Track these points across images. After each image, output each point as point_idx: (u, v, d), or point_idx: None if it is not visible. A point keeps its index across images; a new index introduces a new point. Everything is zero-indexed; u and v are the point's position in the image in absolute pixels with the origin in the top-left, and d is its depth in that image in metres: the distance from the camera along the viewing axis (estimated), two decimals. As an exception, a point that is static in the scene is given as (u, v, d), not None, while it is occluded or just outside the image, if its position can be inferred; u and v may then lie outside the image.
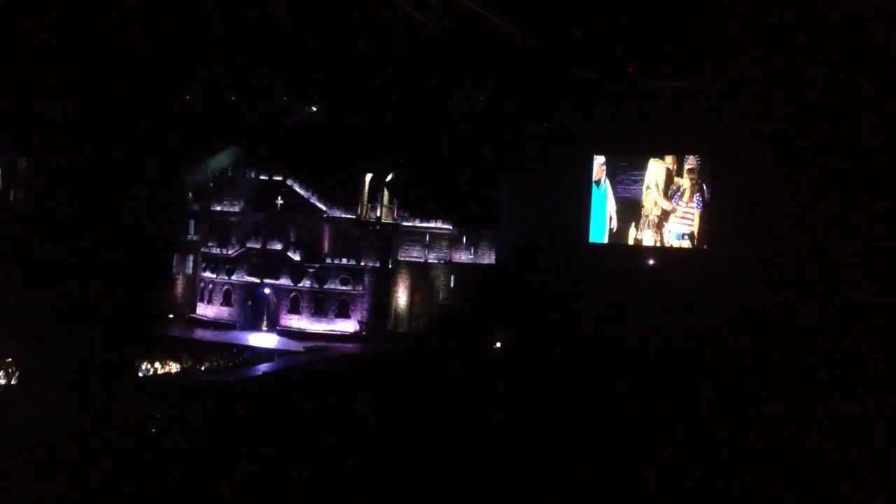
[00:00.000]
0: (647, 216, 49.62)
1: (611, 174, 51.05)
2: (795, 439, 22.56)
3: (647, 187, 49.51)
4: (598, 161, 51.22)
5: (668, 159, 48.79)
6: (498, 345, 43.40)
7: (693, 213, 47.82)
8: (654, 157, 49.16)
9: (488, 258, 57.77)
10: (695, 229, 47.79)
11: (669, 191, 48.69)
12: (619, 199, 50.55)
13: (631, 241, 49.95)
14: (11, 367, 36.49)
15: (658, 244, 48.99)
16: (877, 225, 39.14)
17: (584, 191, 51.43)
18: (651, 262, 48.79)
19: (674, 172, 48.57)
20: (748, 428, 24.00)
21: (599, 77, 35.70)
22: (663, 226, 48.82)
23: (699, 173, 47.69)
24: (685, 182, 48.22)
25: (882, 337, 32.50)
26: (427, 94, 40.82)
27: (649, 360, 33.29)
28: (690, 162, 48.10)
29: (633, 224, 49.95)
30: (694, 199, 47.92)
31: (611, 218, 50.85)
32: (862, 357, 31.42)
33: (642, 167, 49.66)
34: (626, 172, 50.63)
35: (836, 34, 28.51)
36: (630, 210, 50.22)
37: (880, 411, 24.87)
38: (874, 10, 26.38)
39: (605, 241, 50.69)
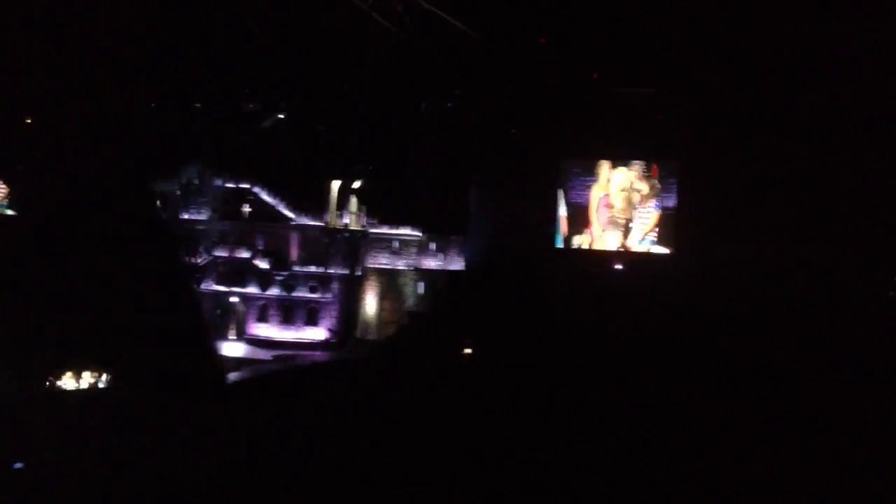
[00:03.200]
0: (602, 222, 49.87)
1: (564, 179, 51.16)
2: (766, 443, 22.80)
3: (602, 192, 49.76)
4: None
5: (618, 164, 49.05)
6: (467, 350, 43.40)
7: (651, 218, 48.14)
8: (618, 161, 49.39)
9: (457, 264, 57.82)
10: (655, 234, 48.05)
11: (628, 196, 48.95)
12: (570, 204, 50.72)
13: (585, 246, 49.99)
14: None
15: (620, 248, 49.21)
16: (843, 228, 39.77)
17: (551, 196, 51.59)
18: (618, 266, 49.05)
19: (633, 178, 48.84)
20: (717, 430, 24.21)
21: (565, 83, 35.96)
22: (619, 230, 49.00)
23: (659, 179, 48.05)
24: (644, 187, 48.52)
25: (850, 339, 32.95)
26: (395, 101, 40.87)
27: (617, 362, 33.49)
28: (639, 166, 48.33)
29: (586, 229, 50.15)
30: (650, 204, 48.23)
31: (563, 223, 50.93)
32: (830, 358, 31.81)
33: (594, 172, 49.93)
34: (578, 178, 50.85)
35: (803, 41, 28.97)
36: (581, 215, 50.41)
37: (853, 413, 25.20)
38: (841, 18, 26.86)
39: (561, 245, 50.74)
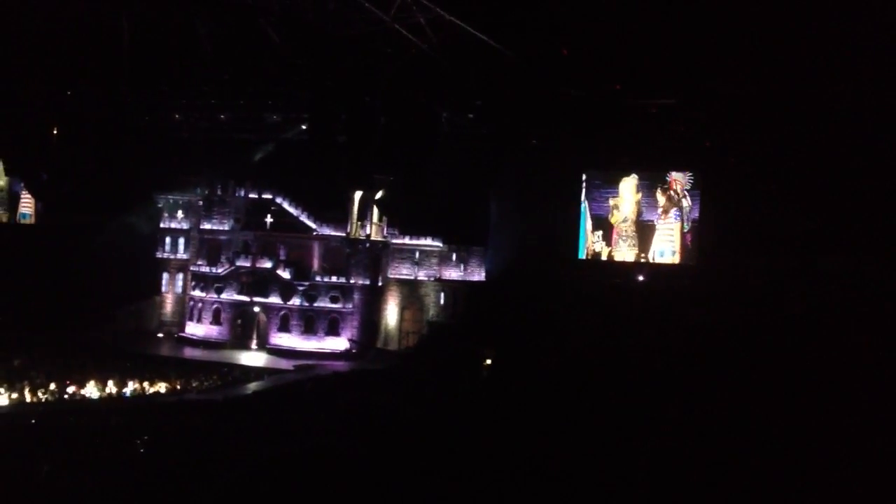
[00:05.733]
0: (618, 233, 49.81)
1: (588, 191, 51.26)
2: (786, 457, 22.57)
3: (618, 205, 49.72)
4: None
5: (640, 176, 48.95)
6: (488, 362, 43.35)
7: (674, 229, 47.95)
8: (641, 173, 49.30)
9: (478, 275, 57.82)
10: (677, 245, 47.86)
11: (649, 207, 48.79)
12: (593, 217, 50.80)
13: (604, 258, 49.99)
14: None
15: (643, 259, 49.03)
16: (864, 238, 39.41)
17: (573, 207, 51.61)
18: (640, 277, 48.88)
19: (653, 189, 48.70)
20: (737, 444, 24.01)
21: (586, 95, 35.93)
22: (641, 242, 48.85)
23: (681, 190, 47.87)
24: (665, 199, 48.36)
25: (870, 350, 32.60)
26: (416, 112, 41.02)
27: (638, 376, 33.30)
28: (673, 178, 48.20)
29: (605, 241, 50.14)
30: (671, 214, 48.03)
31: (588, 235, 50.98)
32: (851, 370, 31.48)
33: (615, 184, 49.92)
34: (599, 190, 50.87)
35: (823, 51, 28.82)
36: (602, 227, 50.49)
37: (874, 425, 24.91)
38: (859, 27, 26.70)
39: (584, 257, 50.79)
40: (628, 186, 49.46)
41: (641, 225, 48.90)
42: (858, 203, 38.70)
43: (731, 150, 42.39)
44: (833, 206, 40.04)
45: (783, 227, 42.25)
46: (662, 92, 36.20)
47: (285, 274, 55.30)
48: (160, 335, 58.70)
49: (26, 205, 64.47)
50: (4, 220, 64.07)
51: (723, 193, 45.49)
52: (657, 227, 48.40)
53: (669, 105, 37.78)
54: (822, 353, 32.63)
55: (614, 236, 49.89)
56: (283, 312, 55.05)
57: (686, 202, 47.90)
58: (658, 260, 48.50)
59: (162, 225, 60.99)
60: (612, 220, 49.90)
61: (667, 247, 48.11)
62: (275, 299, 55.08)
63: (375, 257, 56.49)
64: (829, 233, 40.46)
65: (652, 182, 48.73)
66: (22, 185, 62.75)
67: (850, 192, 38.69)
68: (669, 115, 38.92)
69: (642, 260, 48.87)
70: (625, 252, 49.31)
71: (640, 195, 48.96)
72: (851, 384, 28.79)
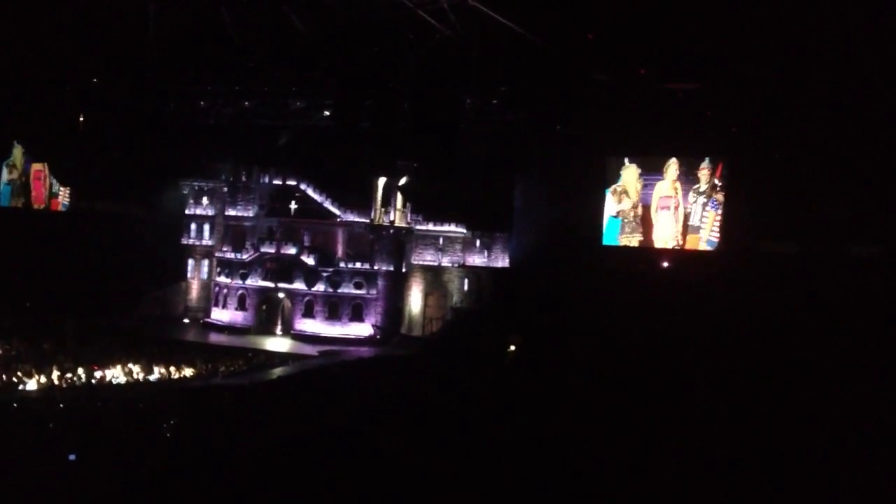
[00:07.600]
0: (625, 220, 49.35)
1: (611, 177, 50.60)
2: (814, 444, 22.38)
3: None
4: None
5: (668, 161, 48.35)
6: (512, 348, 43.30)
7: (710, 216, 47.21)
8: (667, 158, 48.59)
9: (502, 261, 57.71)
10: (717, 232, 47.05)
11: (679, 192, 48.15)
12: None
13: (633, 244, 49.49)
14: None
15: (676, 247, 48.42)
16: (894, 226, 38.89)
17: (598, 194, 51.13)
18: (665, 264, 48.42)
19: (684, 175, 48.03)
20: (764, 432, 23.85)
21: (612, 79, 35.64)
22: (670, 228, 48.21)
23: (711, 176, 47.15)
24: (702, 185, 47.60)
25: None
26: (440, 98, 40.90)
27: (665, 362, 33.12)
28: (704, 165, 47.48)
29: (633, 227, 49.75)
30: (702, 201, 47.30)
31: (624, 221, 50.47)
32: (883, 360, 31.12)
33: (654, 171, 49.22)
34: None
35: (854, 35, 28.39)
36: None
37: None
38: (890, 11, 26.27)
39: (609, 243, 50.38)
40: (665, 171, 48.58)
41: (676, 211, 48.23)
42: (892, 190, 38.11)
43: (760, 136, 41.87)
44: (866, 192, 39.49)
45: (813, 215, 41.73)
46: (689, 76, 35.83)
47: (309, 260, 55.53)
48: (186, 321, 59.19)
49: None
50: (20, 206, 64.70)
51: (750, 178, 44.85)
52: (693, 213, 47.59)
53: (695, 90, 37.38)
54: (853, 344, 32.28)
55: (623, 224, 49.44)
56: (307, 298, 55.31)
57: (708, 188, 47.21)
58: (692, 247, 47.68)
59: (187, 211, 61.35)
60: (622, 208, 49.27)
61: (710, 235, 47.20)
62: (299, 285, 55.34)
63: (399, 243, 56.54)
64: (860, 221, 39.93)
65: (689, 169, 47.89)
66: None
67: (884, 177, 38.11)
68: (696, 99, 38.50)
69: (678, 246, 48.09)
70: (658, 239, 48.80)
71: (675, 181, 48.12)
72: (886, 374, 28.48)
